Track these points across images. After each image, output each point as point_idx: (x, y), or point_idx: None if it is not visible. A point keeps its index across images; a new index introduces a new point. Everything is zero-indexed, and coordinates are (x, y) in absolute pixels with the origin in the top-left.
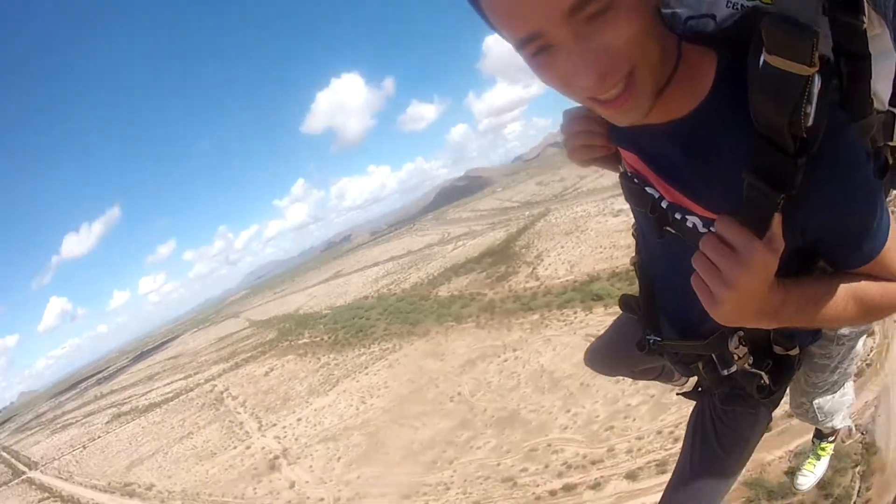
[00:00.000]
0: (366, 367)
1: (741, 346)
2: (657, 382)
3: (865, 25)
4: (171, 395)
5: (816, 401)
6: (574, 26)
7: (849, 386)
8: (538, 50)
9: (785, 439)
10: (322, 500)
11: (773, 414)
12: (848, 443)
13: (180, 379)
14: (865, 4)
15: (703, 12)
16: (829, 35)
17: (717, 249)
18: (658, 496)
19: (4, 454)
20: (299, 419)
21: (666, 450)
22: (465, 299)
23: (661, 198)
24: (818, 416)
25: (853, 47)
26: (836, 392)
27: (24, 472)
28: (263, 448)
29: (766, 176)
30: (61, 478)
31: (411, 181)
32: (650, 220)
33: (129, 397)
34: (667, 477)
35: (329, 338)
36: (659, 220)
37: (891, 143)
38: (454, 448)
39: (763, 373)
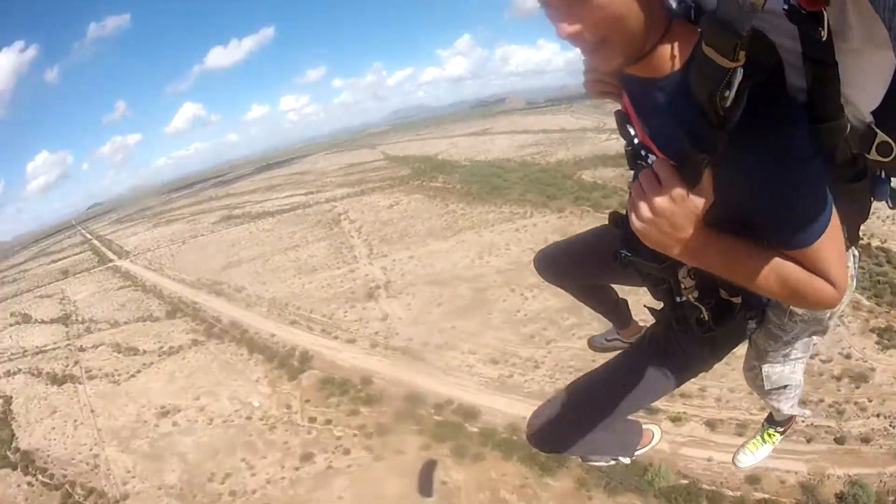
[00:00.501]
0: (492, 225)
1: (689, 278)
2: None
3: (824, 37)
4: (287, 207)
5: (765, 367)
6: None
7: (800, 369)
8: (544, 4)
9: (851, 460)
10: (411, 339)
11: (847, 433)
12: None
13: (301, 194)
14: (828, 18)
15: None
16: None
17: (648, 180)
18: (727, 456)
19: (96, 242)
20: (411, 256)
21: (751, 413)
22: (607, 190)
23: (635, 136)
24: (764, 383)
25: (815, 54)
26: (786, 366)
27: (111, 260)
28: (367, 276)
29: (694, 138)
30: (150, 268)
31: (579, 65)
32: (626, 152)
33: (243, 202)
34: (740, 440)
35: (462, 188)
36: (632, 153)
37: (868, 155)
38: (556, 329)
39: (704, 308)
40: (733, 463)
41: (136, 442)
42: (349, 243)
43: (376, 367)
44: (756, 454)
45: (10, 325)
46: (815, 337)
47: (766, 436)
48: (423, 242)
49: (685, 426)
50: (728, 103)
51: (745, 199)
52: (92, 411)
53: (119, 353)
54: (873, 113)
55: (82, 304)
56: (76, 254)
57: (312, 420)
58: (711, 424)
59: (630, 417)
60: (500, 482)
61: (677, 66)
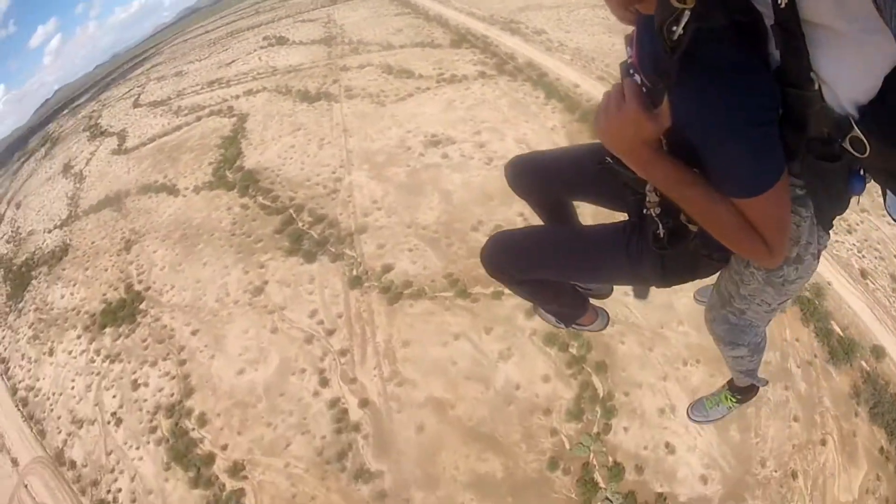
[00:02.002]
0: None
1: (654, 194)
2: None
3: (783, 4)
4: None
5: (723, 313)
6: None
7: (752, 333)
8: None
9: None
10: None
11: None
12: None
13: None
14: None
15: None
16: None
17: (616, 94)
18: None
19: None
20: None
21: None
22: None
23: (629, 57)
24: (718, 329)
25: (780, 19)
26: (741, 322)
27: None
28: None
29: (655, 63)
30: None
31: None
32: (620, 67)
33: None
34: None
35: None
36: (624, 69)
37: (841, 143)
38: None
39: (661, 224)
40: (687, 413)
41: (392, 170)
42: None
43: None
44: (710, 412)
45: (261, 48)
46: (770, 305)
47: (723, 397)
48: None
49: None
50: (675, 37)
51: (692, 136)
52: (345, 131)
53: (389, 74)
54: (862, 107)
55: (350, 28)
56: None
57: None
58: None
59: (582, 292)
60: (790, 347)
61: None
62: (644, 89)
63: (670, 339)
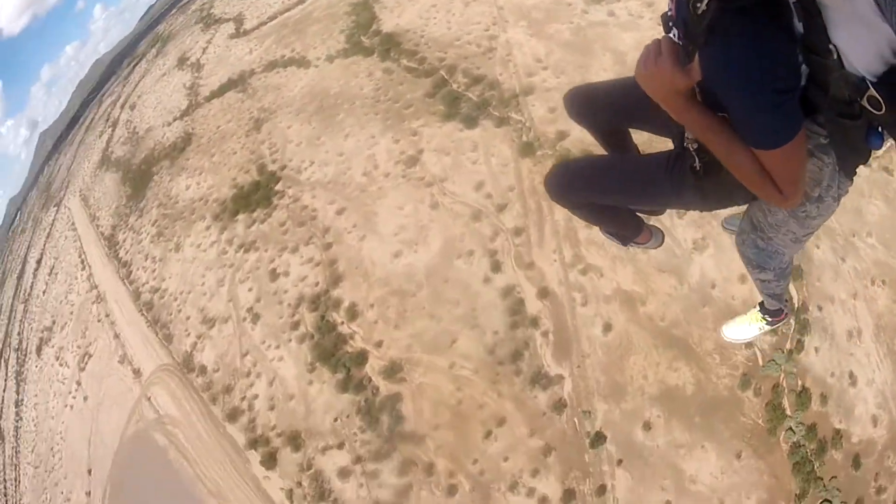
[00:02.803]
0: None
1: None
2: None
3: None
4: None
5: (752, 238)
6: None
7: (778, 260)
8: None
9: None
10: None
11: None
12: None
13: None
14: None
15: None
16: None
17: (655, 48)
18: None
19: None
20: None
21: None
22: None
23: (670, 11)
24: (748, 251)
25: (803, 2)
26: (768, 247)
27: None
28: None
29: (685, 27)
30: None
31: None
32: (662, 20)
33: None
34: None
35: None
36: (665, 21)
37: (860, 102)
38: None
39: (698, 158)
40: (722, 332)
41: (554, 26)
42: None
43: None
44: (741, 333)
45: None
46: (796, 234)
47: (754, 317)
48: None
49: None
50: (699, 11)
51: (717, 91)
52: None
53: None
54: (877, 71)
55: None
56: None
57: None
58: None
59: (638, 214)
60: None
61: None
62: (680, 44)
63: (860, 250)
